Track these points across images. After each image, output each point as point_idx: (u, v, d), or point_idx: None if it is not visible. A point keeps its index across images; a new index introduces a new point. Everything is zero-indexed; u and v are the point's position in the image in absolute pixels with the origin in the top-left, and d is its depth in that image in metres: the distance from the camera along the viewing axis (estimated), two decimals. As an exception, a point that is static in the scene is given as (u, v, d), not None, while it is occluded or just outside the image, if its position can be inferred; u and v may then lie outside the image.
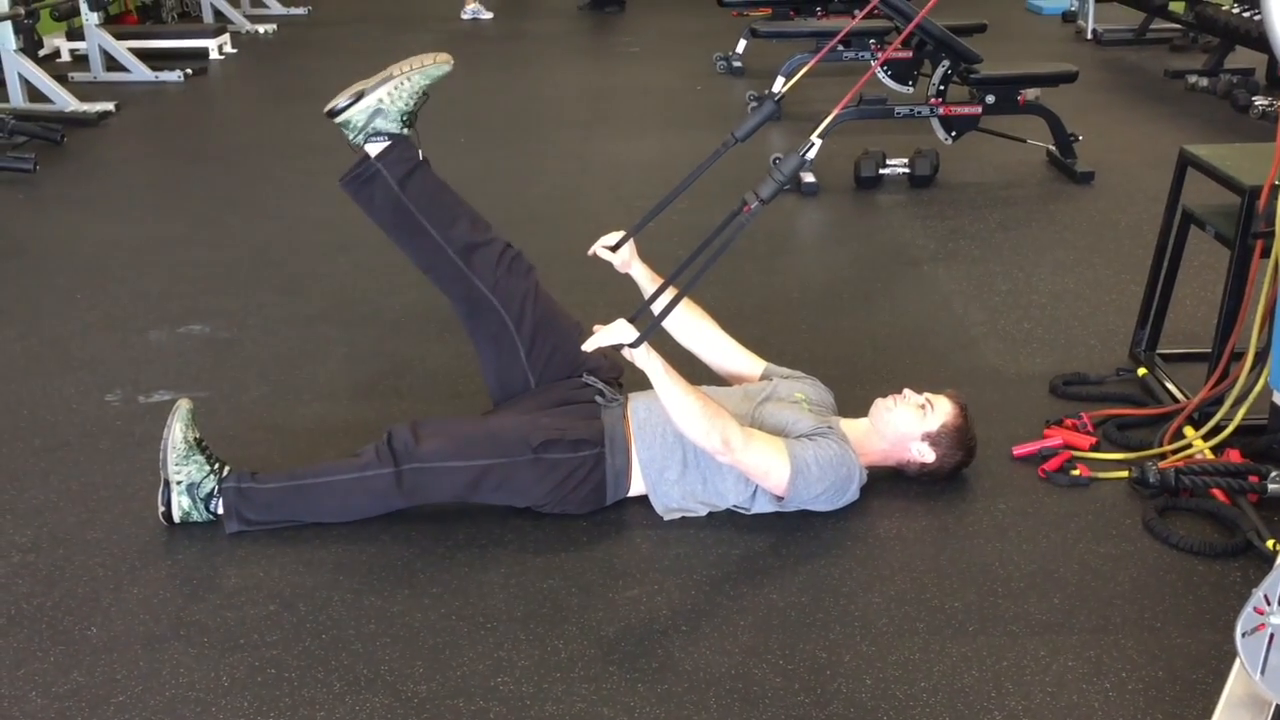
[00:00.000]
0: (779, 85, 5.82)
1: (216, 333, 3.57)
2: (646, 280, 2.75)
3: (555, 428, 2.51)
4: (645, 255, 2.77)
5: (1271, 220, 2.60)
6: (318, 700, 2.03)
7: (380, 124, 2.54)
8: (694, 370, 2.56)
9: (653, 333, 2.34)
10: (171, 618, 2.25)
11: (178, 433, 2.50)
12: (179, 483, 2.49)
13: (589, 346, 2.32)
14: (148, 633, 2.21)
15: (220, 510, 2.50)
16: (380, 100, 2.52)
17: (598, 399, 2.61)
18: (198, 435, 2.53)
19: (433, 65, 2.56)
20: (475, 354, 2.75)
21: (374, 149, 2.56)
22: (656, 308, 2.41)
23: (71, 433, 2.96)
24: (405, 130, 2.58)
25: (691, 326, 2.82)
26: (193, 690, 2.06)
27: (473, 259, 2.62)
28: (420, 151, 2.63)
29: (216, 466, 2.52)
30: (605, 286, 3.14)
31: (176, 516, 2.51)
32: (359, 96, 2.52)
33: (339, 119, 2.54)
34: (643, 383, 2.48)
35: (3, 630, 2.22)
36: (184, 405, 2.55)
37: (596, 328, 2.33)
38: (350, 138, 2.56)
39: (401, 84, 2.53)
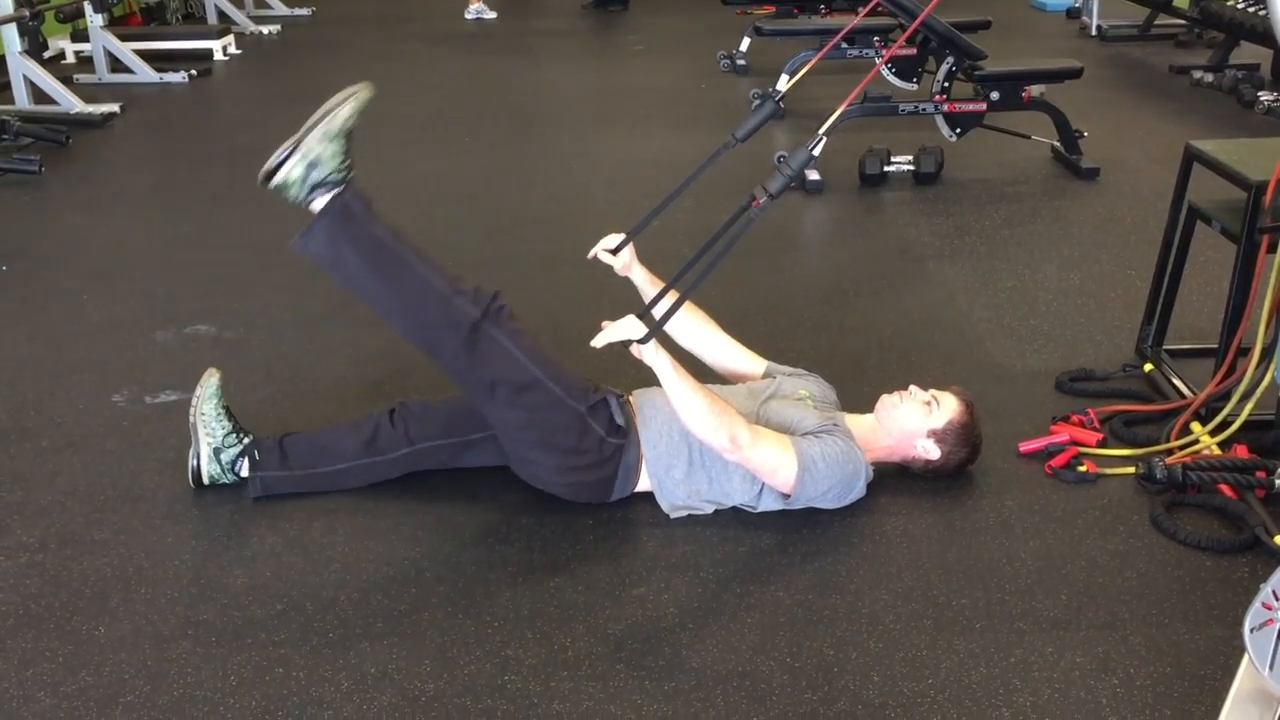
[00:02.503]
0: (783, 83, 5.81)
1: (223, 333, 3.57)
2: (646, 284, 2.74)
3: (609, 398, 2.53)
4: (649, 255, 2.77)
5: (1278, 215, 2.60)
6: (325, 699, 2.03)
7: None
8: (696, 370, 2.56)
9: (660, 329, 2.35)
10: (179, 617, 2.26)
11: (347, 111, 2.36)
12: (305, 155, 2.34)
13: (598, 342, 2.32)
14: (155, 632, 2.21)
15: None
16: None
17: (610, 400, 2.61)
18: (354, 129, 2.42)
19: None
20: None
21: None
22: (662, 306, 2.41)
23: (78, 433, 2.96)
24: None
25: (693, 328, 2.82)
26: (200, 689, 2.06)
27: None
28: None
29: (348, 166, 2.39)
30: (610, 286, 3.14)
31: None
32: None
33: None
34: (646, 382, 2.48)
35: (11, 630, 2.23)
36: (367, 93, 2.40)
37: (605, 323, 2.33)
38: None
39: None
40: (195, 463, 2.62)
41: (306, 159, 2.34)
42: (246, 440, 2.64)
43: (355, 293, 2.48)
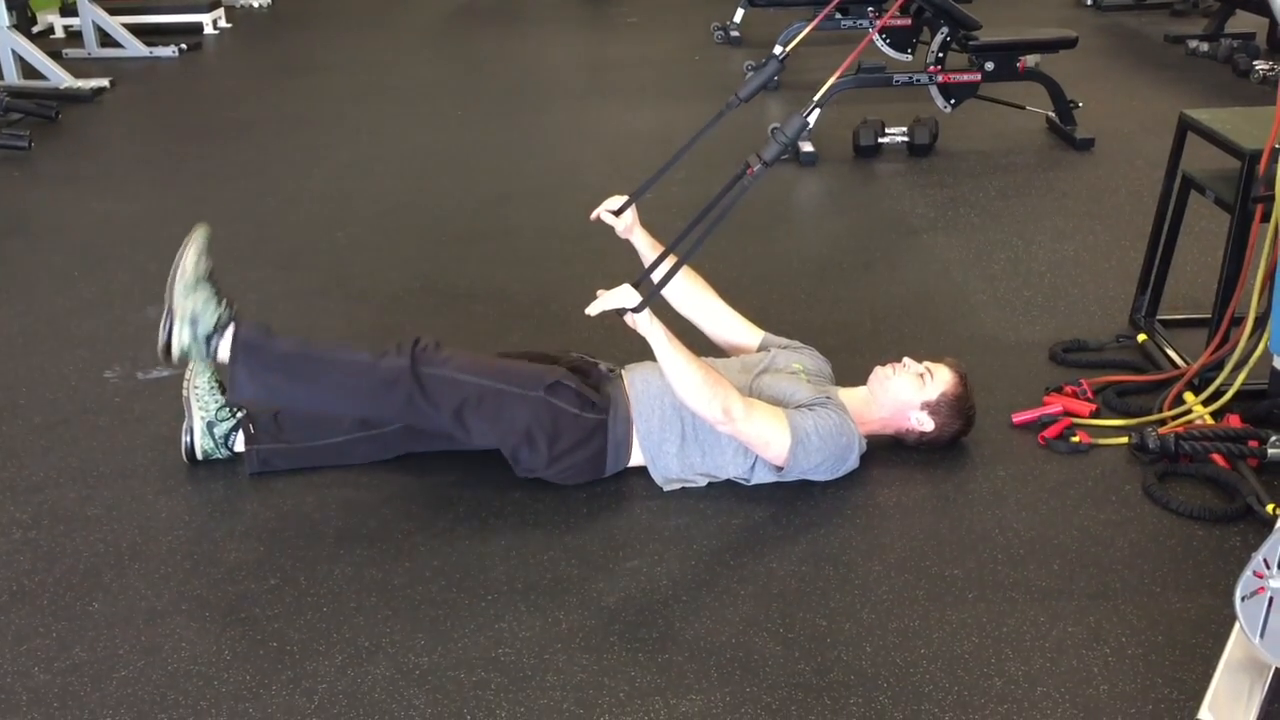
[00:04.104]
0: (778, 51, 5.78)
1: (214, 308, 3.55)
2: (647, 247, 2.74)
3: (569, 378, 2.52)
4: (643, 227, 2.76)
5: (1271, 184, 2.59)
6: (320, 673, 2.04)
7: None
8: (691, 340, 2.55)
9: (655, 297, 2.34)
10: (173, 592, 2.26)
11: (191, 257, 2.42)
12: (181, 318, 2.40)
13: (593, 310, 2.31)
14: (149, 608, 2.21)
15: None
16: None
17: (601, 367, 2.61)
18: (211, 267, 2.48)
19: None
20: (471, 329, 2.73)
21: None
22: (658, 274, 2.40)
23: (70, 410, 2.96)
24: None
25: (691, 295, 2.81)
26: (195, 664, 2.06)
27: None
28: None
29: (223, 303, 2.44)
30: (603, 258, 3.14)
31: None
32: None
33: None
34: (640, 354, 2.47)
35: (5, 607, 2.23)
36: (202, 231, 2.46)
37: (600, 292, 2.32)
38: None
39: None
40: (189, 438, 2.62)
41: (185, 320, 2.41)
42: (240, 414, 2.63)
43: (302, 408, 2.52)
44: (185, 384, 2.62)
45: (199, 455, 2.62)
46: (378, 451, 2.64)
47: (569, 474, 2.53)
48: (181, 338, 2.41)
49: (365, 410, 2.50)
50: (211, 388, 2.62)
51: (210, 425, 2.60)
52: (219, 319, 2.42)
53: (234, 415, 2.62)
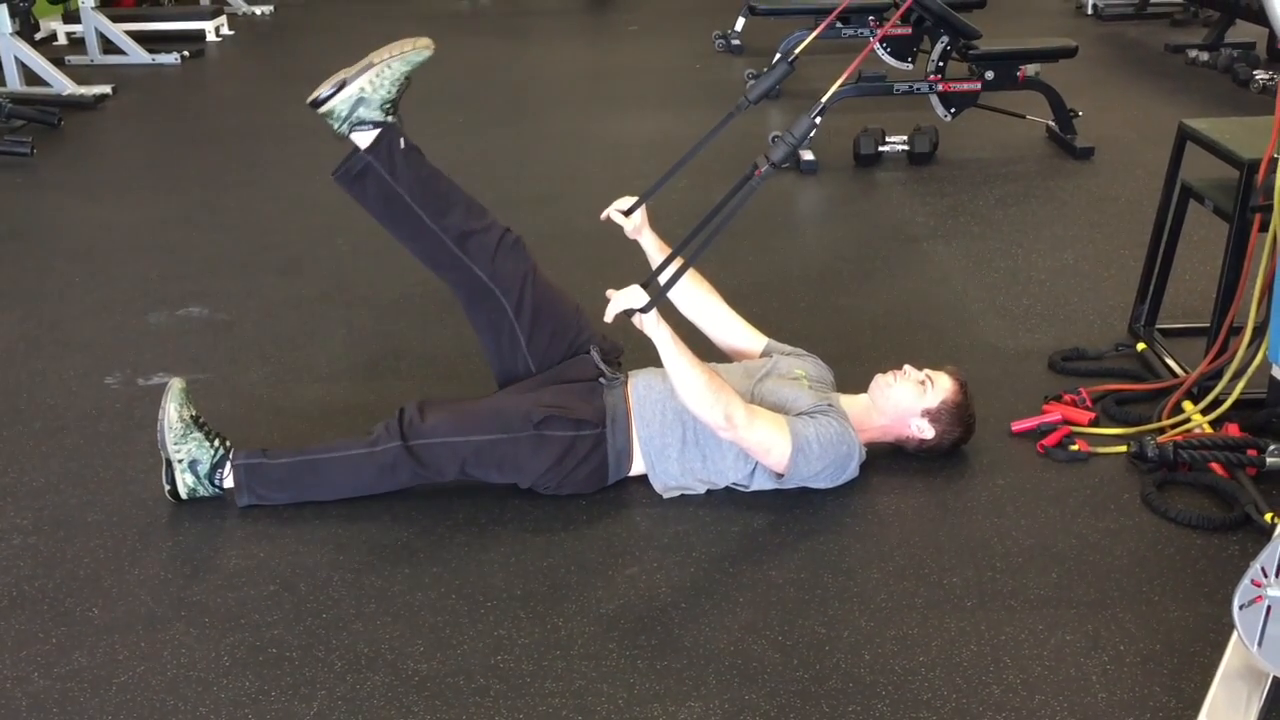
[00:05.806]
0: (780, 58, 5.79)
1: (215, 315, 3.57)
2: (655, 249, 2.75)
3: (557, 405, 2.52)
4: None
5: (1270, 194, 2.60)
6: (319, 679, 2.04)
7: (364, 113, 2.49)
8: (694, 344, 2.56)
9: (663, 298, 2.35)
10: (173, 598, 2.26)
11: (173, 412, 2.51)
12: (180, 460, 2.51)
13: (609, 316, 2.32)
14: (149, 613, 2.22)
15: (226, 484, 2.52)
16: (362, 89, 2.47)
17: (601, 380, 2.61)
18: (194, 413, 2.54)
19: (413, 51, 2.51)
20: (471, 335, 2.75)
21: (361, 139, 2.51)
22: (666, 276, 2.41)
23: (71, 415, 2.96)
24: (390, 118, 2.52)
25: (696, 299, 2.82)
26: (194, 670, 2.07)
27: (468, 246, 2.60)
28: (405, 140, 2.57)
29: (216, 443, 2.53)
30: (606, 266, 3.14)
31: (183, 493, 2.52)
32: (341, 85, 2.47)
33: (322, 110, 2.49)
34: (643, 360, 2.48)
35: (4, 612, 2.23)
36: (176, 384, 2.56)
37: (609, 292, 2.32)
38: (335, 128, 2.51)
39: (383, 71, 2.48)
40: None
41: (185, 466, 2.51)
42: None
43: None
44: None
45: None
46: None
47: (571, 487, 2.54)
48: (186, 481, 2.52)
49: (374, 492, 2.55)
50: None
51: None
52: (216, 456, 2.52)
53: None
